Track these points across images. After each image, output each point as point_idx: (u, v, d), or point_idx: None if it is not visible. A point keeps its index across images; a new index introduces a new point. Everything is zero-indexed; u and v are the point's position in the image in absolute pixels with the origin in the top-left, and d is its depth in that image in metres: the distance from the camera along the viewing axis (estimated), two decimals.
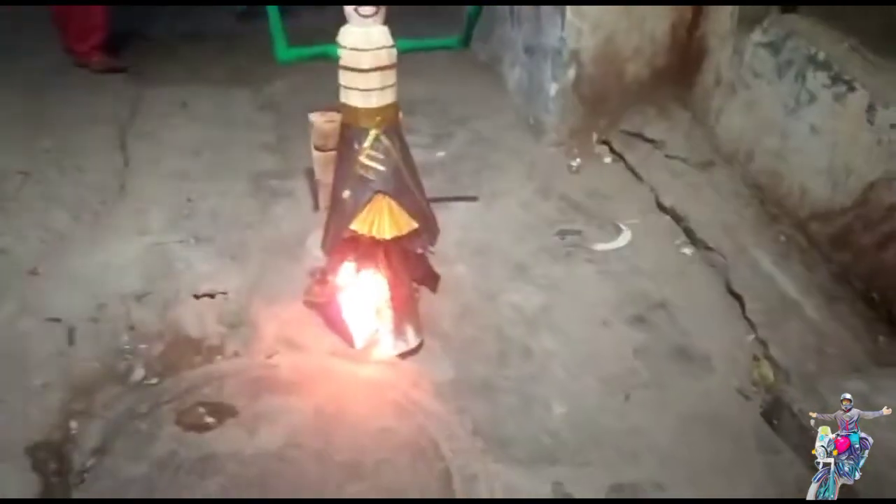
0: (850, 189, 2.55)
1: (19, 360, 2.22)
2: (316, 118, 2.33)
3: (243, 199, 3.06)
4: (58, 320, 2.36)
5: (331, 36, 2.08)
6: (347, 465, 2.01)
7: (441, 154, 3.49)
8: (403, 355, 2.35)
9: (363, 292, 2.32)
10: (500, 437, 2.11)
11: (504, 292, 2.67)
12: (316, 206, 2.96)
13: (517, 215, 3.12)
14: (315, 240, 2.53)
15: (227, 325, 2.44)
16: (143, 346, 2.32)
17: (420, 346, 2.38)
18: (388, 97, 2.14)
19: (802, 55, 2.78)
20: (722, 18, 3.30)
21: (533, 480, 1.98)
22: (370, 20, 2.06)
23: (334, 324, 2.41)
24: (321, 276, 2.39)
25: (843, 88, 2.58)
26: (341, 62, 2.10)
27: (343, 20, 2.08)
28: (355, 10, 2.04)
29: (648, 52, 3.53)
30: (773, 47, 2.95)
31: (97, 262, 2.62)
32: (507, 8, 4.06)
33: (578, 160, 3.50)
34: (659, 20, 3.47)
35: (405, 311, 2.33)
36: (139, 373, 2.24)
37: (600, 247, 2.95)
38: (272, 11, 2.06)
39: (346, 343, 2.37)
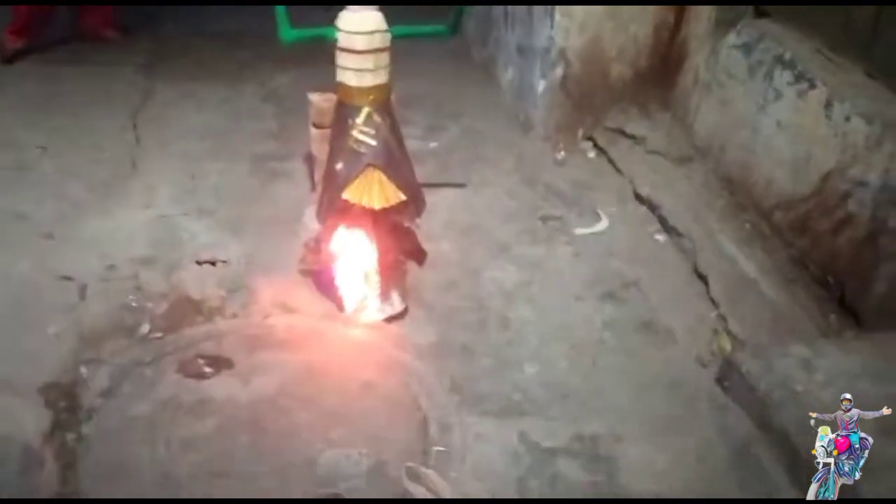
0: (810, 179, 2.73)
1: (34, 311, 2.41)
2: (314, 97, 2.52)
3: (244, 178, 3.26)
4: (70, 279, 2.55)
5: None
6: (333, 412, 2.19)
7: (434, 144, 3.68)
8: (389, 320, 2.54)
9: (353, 259, 2.50)
10: (475, 394, 2.29)
11: (486, 269, 2.85)
12: (313, 187, 3.15)
13: (502, 201, 3.31)
14: (311, 214, 2.72)
15: (226, 289, 2.62)
16: (148, 304, 2.51)
17: (405, 311, 2.56)
18: (380, 77, 2.35)
19: (771, 56, 2.98)
20: (702, 22, 3.50)
21: (502, 430, 2.15)
22: (367, 6, 2.26)
23: (326, 290, 2.59)
24: (314, 245, 2.57)
25: (805, 85, 2.77)
26: (339, 44, 2.30)
27: None
28: None
29: (632, 53, 3.73)
30: (746, 49, 3.14)
31: (108, 229, 2.82)
32: (502, 12, 4.26)
33: (563, 153, 3.69)
34: (643, 23, 3.67)
35: (391, 277, 2.53)
36: (145, 327, 2.43)
37: (579, 231, 3.14)
38: None
39: (336, 307, 2.56)
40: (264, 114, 3.81)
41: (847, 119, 2.55)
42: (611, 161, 3.65)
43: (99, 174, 3.12)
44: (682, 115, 3.62)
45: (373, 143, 2.35)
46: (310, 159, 3.34)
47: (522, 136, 3.87)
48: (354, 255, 2.50)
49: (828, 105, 2.65)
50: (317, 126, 2.54)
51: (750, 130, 3.09)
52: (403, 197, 2.41)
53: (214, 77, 4.09)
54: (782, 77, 2.90)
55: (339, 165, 2.37)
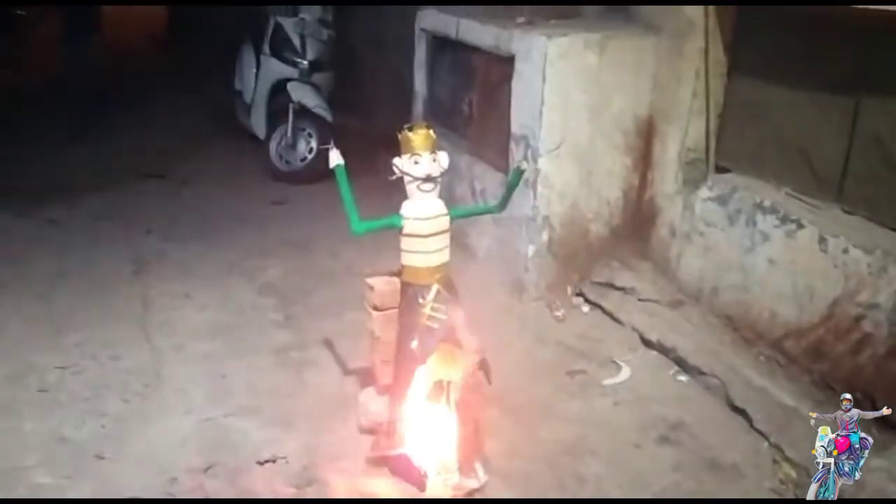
0: (816, 308, 3.01)
1: None
2: (375, 282, 2.60)
3: (273, 371, 3.22)
4: (137, 500, 2.41)
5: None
6: None
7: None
8: (471, 493, 2.52)
9: (430, 436, 2.51)
10: None
11: (539, 429, 2.91)
12: (346, 371, 3.18)
13: (524, 362, 3.41)
14: (368, 397, 2.73)
15: (295, 486, 2.55)
16: None
17: (485, 482, 2.56)
18: (444, 256, 2.50)
19: (749, 204, 3.35)
20: (667, 182, 3.89)
21: None
22: (429, 194, 2.44)
23: (403, 472, 2.56)
24: (388, 428, 2.57)
25: (793, 226, 3.12)
26: (405, 230, 2.45)
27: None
28: (418, 188, 2.42)
29: (606, 214, 4.07)
30: (721, 200, 3.52)
31: (156, 441, 2.70)
32: (469, 190, 4.56)
33: (562, 310, 3.89)
34: (612, 188, 4.04)
35: (472, 448, 2.54)
36: None
37: (607, 382, 3.27)
38: (344, 189, 2.40)
39: (417, 489, 2.52)
40: (265, 307, 3.82)
41: (845, 251, 2.88)
42: (607, 313, 3.86)
43: (127, 385, 3.01)
44: (663, 264, 3.92)
45: (444, 317, 2.45)
46: (330, 346, 3.40)
47: (514, 299, 4.04)
48: (431, 431, 2.51)
49: (821, 241, 2.98)
50: (378, 309, 2.61)
51: (740, 271, 3.40)
52: (477, 365, 2.48)
53: (204, 278, 4.09)
54: (766, 220, 3.25)
55: (414, 343, 2.44)
